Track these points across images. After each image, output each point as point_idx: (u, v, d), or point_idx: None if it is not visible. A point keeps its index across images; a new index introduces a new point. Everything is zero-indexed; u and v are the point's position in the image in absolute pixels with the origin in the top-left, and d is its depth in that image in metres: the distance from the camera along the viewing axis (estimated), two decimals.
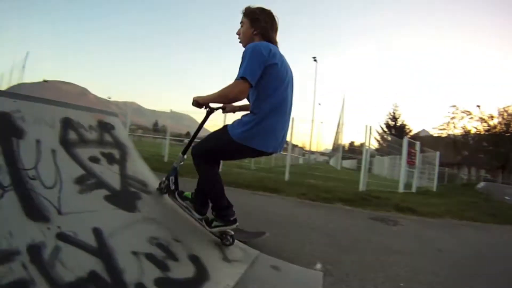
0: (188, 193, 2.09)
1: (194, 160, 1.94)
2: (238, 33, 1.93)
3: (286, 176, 7.41)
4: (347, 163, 24.06)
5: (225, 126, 1.85)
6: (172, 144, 13.12)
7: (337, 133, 32.59)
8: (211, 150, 1.90)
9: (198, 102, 1.91)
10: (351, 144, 28.15)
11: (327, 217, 3.93)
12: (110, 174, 1.87)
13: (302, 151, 25.97)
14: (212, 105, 2.02)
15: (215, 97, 1.80)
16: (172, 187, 2.07)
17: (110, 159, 1.97)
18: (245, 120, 1.77)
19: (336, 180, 8.11)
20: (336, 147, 29.88)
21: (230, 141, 1.77)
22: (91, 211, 1.58)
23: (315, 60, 31.84)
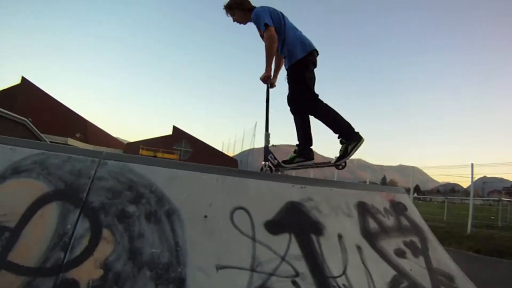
0: (291, 156, 2.44)
1: (298, 106, 2.41)
2: (235, 21, 2.64)
3: None
4: None
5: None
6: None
7: None
8: (300, 83, 2.37)
9: (266, 76, 2.44)
10: None
11: None
12: (420, 271, 1.51)
13: None
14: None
15: (268, 59, 2.39)
16: (275, 162, 2.35)
17: (414, 249, 1.62)
18: (290, 46, 2.45)
19: None
20: None
21: (299, 62, 2.39)
22: None
23: None
